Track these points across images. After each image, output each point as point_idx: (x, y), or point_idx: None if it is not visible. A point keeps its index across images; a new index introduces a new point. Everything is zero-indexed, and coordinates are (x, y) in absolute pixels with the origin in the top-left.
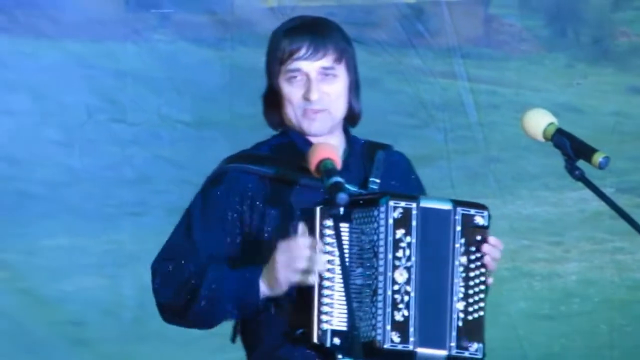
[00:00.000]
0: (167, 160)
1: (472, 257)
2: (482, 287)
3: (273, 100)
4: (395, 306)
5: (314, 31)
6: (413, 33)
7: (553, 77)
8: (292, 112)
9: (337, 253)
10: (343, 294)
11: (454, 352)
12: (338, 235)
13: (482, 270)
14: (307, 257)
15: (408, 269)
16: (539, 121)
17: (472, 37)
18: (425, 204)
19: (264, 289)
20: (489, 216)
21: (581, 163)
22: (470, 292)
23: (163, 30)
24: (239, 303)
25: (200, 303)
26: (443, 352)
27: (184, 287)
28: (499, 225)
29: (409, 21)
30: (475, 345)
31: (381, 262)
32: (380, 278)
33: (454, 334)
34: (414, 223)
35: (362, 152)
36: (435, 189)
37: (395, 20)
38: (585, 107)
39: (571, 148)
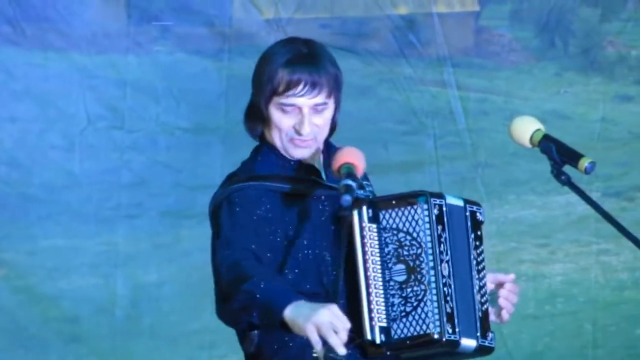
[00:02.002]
0: (164, 165)
1: (478, 251)
2: (486, 280)
3: (256, 114)
4: (445, 299)
5: (310, 65)
6: (405, 43)
7: (542, 85)
8: (279, 137)
9: (375, 252)
10: (381, 291)
11: (480, 341)
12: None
13: (484, 264)
14: (334, 330)
15: (448, 262)
16: (526, 128)
17: (463, 48)
18: (449, 200)
19: (288, 317)
20: (484, 212)
21: (568, 168)
22: (481, 284)
23: (163, 42)
24: (263, 318)
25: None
26: (474, 342)
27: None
28: (487, 228)
29: (401, 32)
30: (491, 335)
31: (430, 257)
32: (432, 272)
33: (478, 324)
34: (445, 219)
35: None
36: None
37: (388, 31)
38: (573, 115)
39: (558, 154)
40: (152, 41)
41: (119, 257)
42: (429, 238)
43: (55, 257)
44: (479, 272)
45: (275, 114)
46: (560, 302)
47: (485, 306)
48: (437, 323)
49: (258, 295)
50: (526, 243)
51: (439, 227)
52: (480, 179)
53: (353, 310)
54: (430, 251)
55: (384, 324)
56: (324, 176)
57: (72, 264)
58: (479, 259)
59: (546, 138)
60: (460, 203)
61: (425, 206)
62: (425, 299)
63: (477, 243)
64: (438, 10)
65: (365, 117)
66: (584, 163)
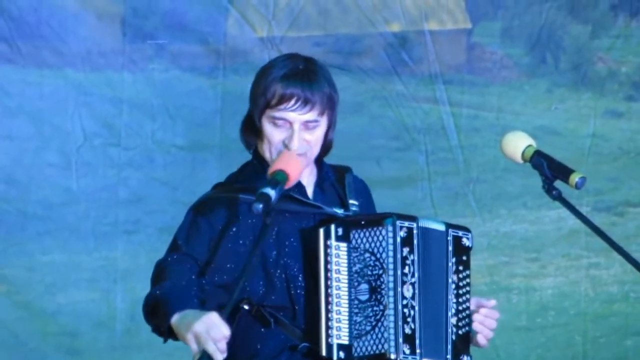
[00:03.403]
0: (161, 182)
1: (461, 275)
2: (468, 304)
3: (251, 127)
4: (404, 320)
5: (305, 82)
6: (397, 61)
7: (533, 102)
8: (269, 150)
9: (340, 270)
10: (345, 308)
11: None
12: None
13: (468, 288)
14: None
15: (413, 284)
16: (518, 143)
17: (455, 65)
18: (423, 223)
19: (174, 324)
20: (472, 238)
21: (559, 183)
22: (460, 308)
23: (158, 60)
24: (155, 324)
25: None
26: None
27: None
28: (479, 243)
29: (393, 49)
30: (465, 358)
31: (391, 278)
32: (391, 293)
33: (449, 347)
34: (415, 241)
35: (332, 175)
36: (417, 208)
37: (381, 49)
38: (564, 130)
39: (549, 169)
40: (147, 59)
41: (118, 272)
42: (391, 259)
43: (54, 273)
44: (458, 296)
45: (267, 126)
46: (551, 314)
47: (463, 330)
48: (393, 343)
49: (157, 299)
50: (518, 257)
51: (405, 249)
52: (472, 194)
53: (313, 326)
54: (391, 272)
55: (346, 342)
56: (310, 194)
57: (71, 279)
58: (460, 283)
59: (537, 154)
60: (441, 227)
61: (391, 228)
62: (382, 319)
63: (461, 267)
64: (430, 27)
65: (357, 134)
66: (575, 178)
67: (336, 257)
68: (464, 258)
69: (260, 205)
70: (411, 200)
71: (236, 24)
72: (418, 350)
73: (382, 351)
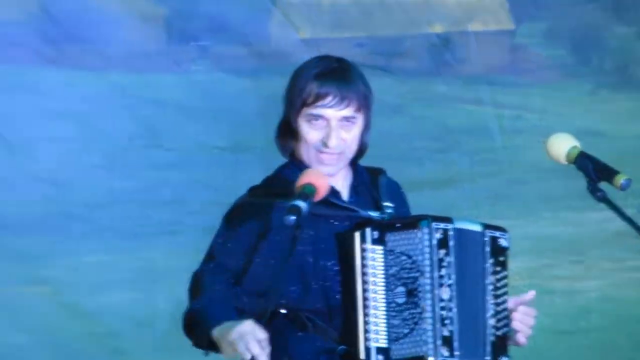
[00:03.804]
0: (203, 184)
1: (498, 276)
2: (506, 305)
3: (287, 131)
4: (442, 322)
5: (340, 79)
6: (440, 62)
7: (576, 103)
8: (306, 151)
9: (377, 273)
10: (383, 311)
11: None
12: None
13: (506, 289)
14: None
15: (450, 286)
16: (563, 145)
17: (498, 66)
18: (459, 225)
19: (215, 337)
20: (510, 238)
21: (603, 185)
22: (498, 308)
23: (201, 61)
24: (195, 333)
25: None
26: None
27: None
28: (522, 245)
29: (436, 50)
30: (503, 359)
31: (427, 281)
32: (428, 296)
33: (488, 348)
34: (451, 243)
35: (366, 178)
36: (458, 210)
37: (423, 50)
38: (608, 132)
39: (594, 170)
40: (190, 61)
41: (159, 273)
42: (427, 262)
43: (97, 273)
44: (496, 297)
45: (303, 126)
46: (595, 317)
47: (502, 331)
48: (431, 345)
49: (196, 314)
50: (561, 259)
51: (441, 252)
52: (515, 196)
53: (350, 330)
54: (428, 275)
55: (384, 345)
56: (345, 197)
57: (114, 280)
58: (497, 284)
59: (582, 155)
60: (478, 228)
61: (427, 230)
62: (420, 322)
63: (498, 268)
64: (473, 28)
65: (399, 135)
66: (620, 180)
67: (372, 261)
68: (502, 259)
69: (293, 217)
70: (452, 202)
71: (279, 26)
72: (457, 353)
73: (421, 354)
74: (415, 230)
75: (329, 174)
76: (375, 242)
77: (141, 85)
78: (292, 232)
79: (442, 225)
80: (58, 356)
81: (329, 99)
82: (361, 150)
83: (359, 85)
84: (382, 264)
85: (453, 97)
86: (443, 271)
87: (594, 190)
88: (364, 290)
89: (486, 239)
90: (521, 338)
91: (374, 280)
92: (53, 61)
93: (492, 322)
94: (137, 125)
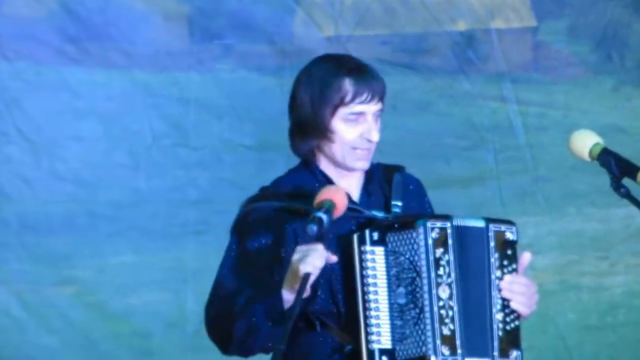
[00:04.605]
0: (229, 182)
1: (506, 270)
2: None
3: (311, 132)
4: (442, 321)
5: (369, 74)
6: (464, 59)
7: (599, 99)
8: (341, 150)
9: (378, 275)
10: (386, 313)
11: None
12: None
13: None
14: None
15: (449, 285)
16: (586, 141)
17: (521, 63)
18: (458, 222)
19: (286, 293)
20: (517, 231)
21: (627, 181)
22: (507, 302)
23: (225, 60)
24: (266, 309)
25: (236, 322)
26: None
27: (224, 317)
28: (549, 241)
29: (460, 48)
30: (515, 353)
31: (425, 281)
32: (426, 296)
33: (495, 343)
34: (450, 241)
35: (379, 176)
36: (486, 207)
37: (447, 48)
38: (631, 128)
39: (617, 167)
40: (214, 59)
41: (188, 272)
42: (423, 262)
43: (124, 273)
44: (502, 278)
45: (340, 125)
46: (622, 313)
47: (512, 325)
48: (430, 345)
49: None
50: (587, 255)
51: (438, 250)
52: (540, 193)
53: (353, 333)
54: (425, 274)
55: (389, 346)
56: (356, 197)
57: (141, 280)
58: (505, 279)
59: (605, 151)
60: (481, 224)
61: (422, 230)
62: (419, 322)
63: (505, 262)
64: (496, 26)
65: (425, 133)
66: None
67: (372, 262)
68: (509, 252)
69: (315, 227)
70: (481, 200)
71: (302, 24)
72: (459, 351)
73: (421, 354)
74: (411, 230)
75: (362, 169)
76: (375, 243)
77: (165, 83)
78: (306, 239)
79: (438, 224)
80: (86, 357)
81: (366, 94)
82: None
83: (382, 80)
84: (384, 265)
85: (477, 95)
86: (441, 270)
87: (617, 186)
88: (364, 293)
89: (490, 234)
90: (516, 306)
91: (374, 282)
92: (76, 59)
93: (499, 317)
94: (161, 124)
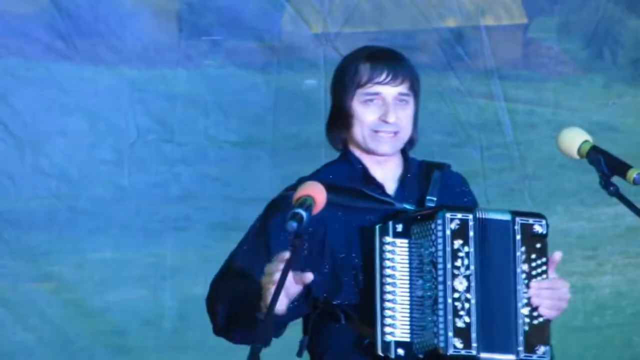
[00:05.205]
0: (213, 178)
1: (534, 264)
2: None
3: (338, 122)
4: (456, 313)
5: (393, 58)
6: (453, 56)
7: (590, 97)
8: (361, 133)
9: (398, 267)
10: (406, 305)
11: (522, 355)
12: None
13: (545, 276)
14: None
15: (467, 277)
16: (574, 139)
17: (511, 60)
18: (482, 215)
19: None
20: (547, 225)
21: (616, 179)
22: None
23: (213, 56)
24: (247, 310)
25: (221, 305)
26: (511, 357)
27: (217, 296)
28: None
29: (449, 45)
30: (542, 349)
31: (440, 272)
32: (440, 287)
33: (521, 338)
34: (471, 233)
35: (419, 172)
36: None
37: (436, 44)
38: (621, 126)
39: (606, 165)
40: (202, 55)
41: (167, 269)
42: (440, 253)
43: (103, 270)
44: (530, 285)
45: (358, 108)
46: (608, 314)
47: (539, 320)
48: (442, 337)
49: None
50: (574, 255)
51: (457, 242)
52: (527, 191)
53: (371, 325)
54: (441, 266)
55: (407, 339)
56: (390, 189)
57: (120, 277)
58: (532, 272)
59: (594, 149)
60: (506, 217)
61: (440, 221)
62: (433, 314)
63: (533, 255)
64: (486, 23)
65: None
66: (633, 174)
67: (392, 254)
68: (538, 245)
69: (295, 224)
70: None
71: (291, 21)
72: (474, 344)
73: (433, 346)
74: (431, 222)
75: (385, 153)
76: (398, 235)
77: (153, 79)
78: (292, 240)
79: (459, 215)
80: (63, 354)
81: (384, 75)
82: (412, 140)
83: (410, 67)
84: (406, 257)
85: (466, 92)
86: (458, 262)
87: (606, 185)
88: (382, 284)
89: (516, 227)
90: (543, 311)
91: (393, 274)
92: (65, 55)
93: (525, 311)
94: (147, 120)
